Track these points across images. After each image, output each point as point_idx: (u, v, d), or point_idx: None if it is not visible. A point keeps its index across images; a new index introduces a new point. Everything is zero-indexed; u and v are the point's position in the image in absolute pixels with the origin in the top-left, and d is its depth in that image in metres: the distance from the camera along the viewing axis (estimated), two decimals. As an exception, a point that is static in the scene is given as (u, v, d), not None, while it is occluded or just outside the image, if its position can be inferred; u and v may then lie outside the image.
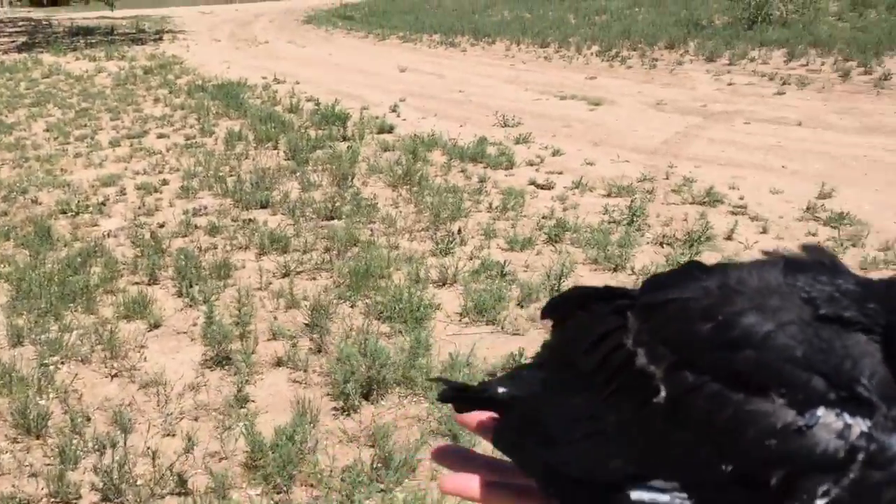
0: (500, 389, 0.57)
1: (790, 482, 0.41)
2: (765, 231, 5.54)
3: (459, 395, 0.60)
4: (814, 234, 5.45)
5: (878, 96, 9.77)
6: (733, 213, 5.94)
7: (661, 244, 5.41)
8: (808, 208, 5.90)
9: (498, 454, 0.56)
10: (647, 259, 5.15)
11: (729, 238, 5.41)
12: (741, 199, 6.25)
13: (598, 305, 0.53)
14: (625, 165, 7.36)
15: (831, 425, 0.41)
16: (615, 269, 5.03)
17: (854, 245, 5.21)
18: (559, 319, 0.57)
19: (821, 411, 0.41)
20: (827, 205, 5.94)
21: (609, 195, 6.52)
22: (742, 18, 15.72)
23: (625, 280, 4.88)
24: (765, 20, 15.54)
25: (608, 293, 0.54)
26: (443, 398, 0.60)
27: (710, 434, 0.43)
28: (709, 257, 5.09)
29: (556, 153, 7.86)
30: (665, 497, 0.45)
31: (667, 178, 6.88)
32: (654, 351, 0.47)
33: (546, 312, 0.58)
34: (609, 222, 5.83)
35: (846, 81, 10.70)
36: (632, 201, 6.15)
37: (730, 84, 11.20)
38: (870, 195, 6.20)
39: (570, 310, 0.55)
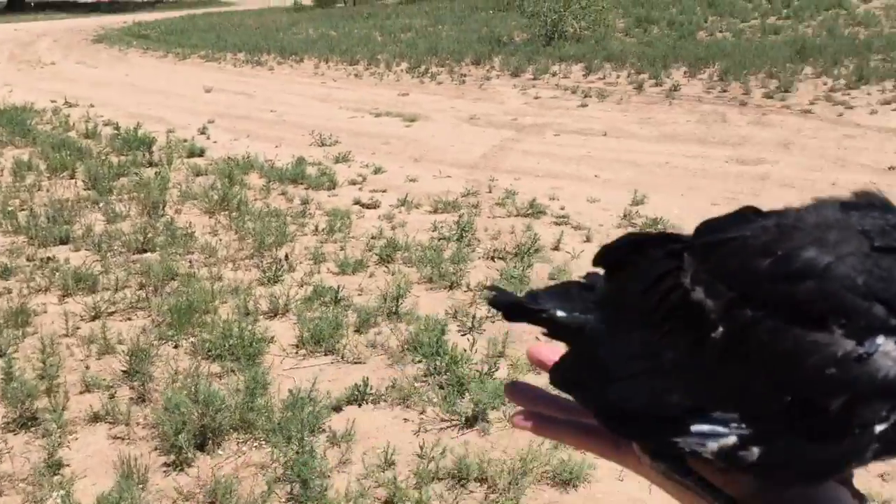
0: (559, 313, 0.57)
1: (850, 408, 0.42)
2: (588, 240, 5.70)
3: (514, 307, 0.60)
4: (633, 240, 5.66)
5: (670, 106, 10.47)
6: (557, 224, 6.07)
7: (493, 258, 5.42)
8: (624, 215, 6.14)
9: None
10: (481, 274, 5.13)
11: (556, 248, 5.51)
12: (562, 209, 6.41)
13: (652, 250, 0.54)
14: (448, 181, 7.36)
15: (891, 353, 0.42)
16: (451, 287, 4.96)
17: (671, 248, 5.45)
18: (612, 267, 0.57)
19: (881, 339, 0.42)
20: (641, 211, 6.22)
21: (436, 211, 6.48)
22: (540, 35, 16.42)
23: (462, 298, 4.83)
24: (561, 37, 16.33)
25: (661, 239, 0.54)
26: (494, 304, 0.61)
27: (768, 366, 0.44)
28: (541, 269, 5.15)
29: (377, 171, 7.75)
30: (724, 428, 0.46)
31: (490, 192, 6.95)
32: (713, 288, 0.47)
33: (598, 260, 0.58)
34: (439, 239, 5.77)
35: (641, 93, 11.40)
36: (459, 217, 6.13)
37: (536, 98, 11.61)
38: (677, 200, 6.56)
39: (622, 257, 0.56)
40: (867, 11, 16.51)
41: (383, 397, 3.79)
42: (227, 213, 6.43)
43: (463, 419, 3.58)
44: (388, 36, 20.24)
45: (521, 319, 0.59)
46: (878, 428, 0.42)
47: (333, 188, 7.23)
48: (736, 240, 0.49)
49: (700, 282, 0.48)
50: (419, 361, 4.06)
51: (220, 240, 5.88)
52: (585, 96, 11.35)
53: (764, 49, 13.12)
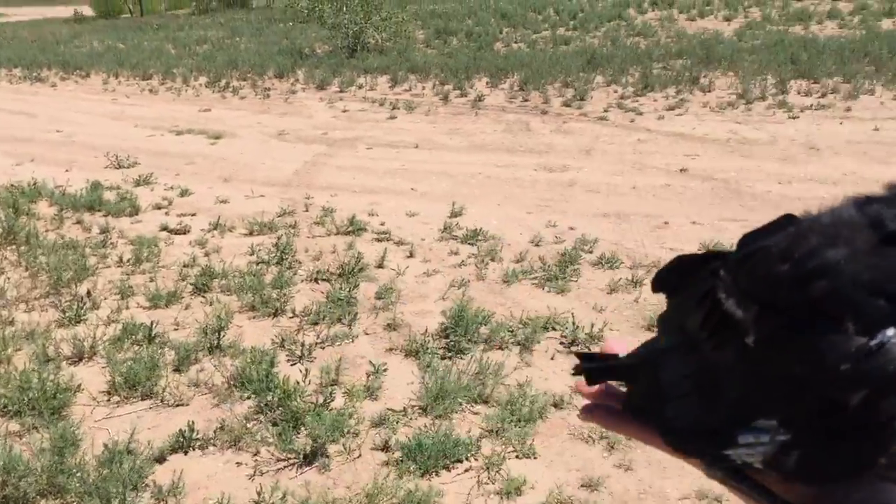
0: (622, 356, 0.63)
1: (869, 403, 0.43)
2: (412, 255, 5.66)
3: (594, 368, 0.63)
4: (455, 253, 5.69)
5: (477, 116, 10.71)
6: (379, 240, 5.99)
7: (317, 280, 5.24)
8: (445, 228, 6.16)
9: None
10: (306, 298, 4.94)
11: (381, 266, 5.42)
12: (383, 224, 6.34)
13: (698, 270, 0.56)
14: (261, 200, 7.08)
15: None
16: (276, 314, 4.73)
17: (493, 259, 5.53)
18: (669, 291, 0.60)
19: (891, 331, 0.43)
20: (461, 223, 6.27)
21: (252, 234, 6.19)
22: (342, 47, 16.32)
23: (288, 325, 4.61)
24: (364, 48, 16.31)
25: (704, 258, 0.57)
26: (580, 372, 0.64)
27: (794, 369, 0.46)
28: (367, 288, 5.04)
29: (184, 193, 7.31)
30: (766, 436, 0.48)
31: (307, 211, 6.75)
32: (744, 300, 0.50)
33: (656, 286, 0.60)
34: (258, 263, 5.51)
35: (448, 104, 11.59)
36: (277, 238, 5.90)
37: (345, 111, 11.49)
38: (494, 210, 6.68)
39: (676, 280, 0.58)
40: (644, 22, 17.80)
41: (212, 441, 3.52)
42: (14, 247, 5.80)
43: (301, 456, 3.40)
44: (183, 48, 19.33)
45: (599, 378, 0.64)
46: None
47: (136, 214, 6.73)
48: (762, 249, 0.51)
49: (733, 295, 0.51)
50: (248, 398, 3.83)
51: (9, 278, 5.29)
52: (394, 108, 11.38)
53: (558, 59, 13.77)
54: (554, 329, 4.47)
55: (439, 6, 22.48)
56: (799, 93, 10.68)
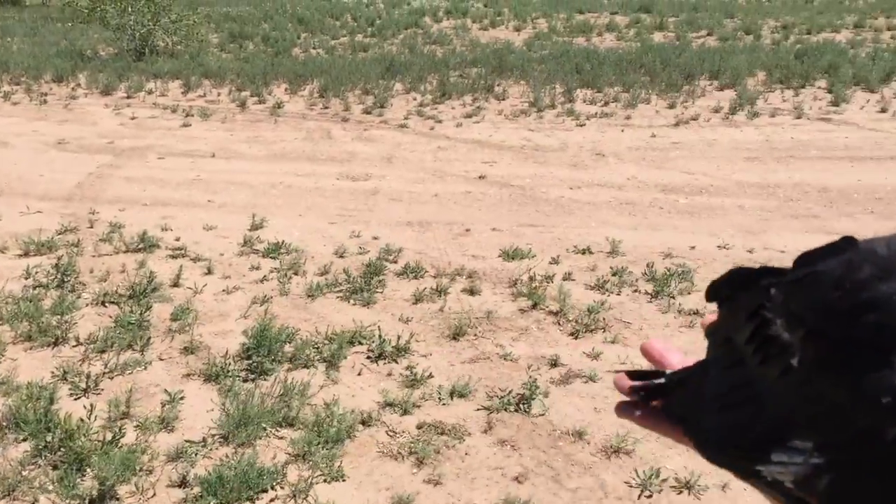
0: (668, 372, 0.63)
1: None
2: (210, 272, 5.38)
3: (645, 389, 0.63)
4: (257, 268, 5.48)
5: (276, 124, 10.44)
6: (174, 257, 5.65)
7: (104, 303, 4.85)
8: (245, 242, 5.92)
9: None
10: (92, 324, 4.56)
11: (176, 285, 5.12)
12: (177, 240, 6.00)
13: (753, 285, 0.56)
14: (38, 217, 6.48)
15: None
16: (56, 343, 4.33)
17: (296, 273, 5.38)
18: (721, 301, 0.61)
19: None
20: (262, 235, 6.06)
21: (27, 254, 5.64)
22: (129, 50, 15.38)
23: (71, 354, 4.23)
24: (153, 52, 15.47)
25: (760, 273, 0.56)
26: (629, 394, 0.64)
27: (836, 396, 0.47)
28: (161, 310, 4.73)
29: (-56, 211, 6.56)
30: (800, 458, 0.48)
31: (92, 227, 6.25)
32: (791, 322, 0.51)
33: (710, 296, 0.61)
34: (35, 287, 5.03)
35: (245, 111, 11.21)
36: (58, 259, 5.41)
37: (133, 118, 10.81)
38: (296, 220, 6.52)
39: (730, 291, 0.59)
40: (440, 31, 18.21)
41: (-19, 494, 3.14)
42: None
43: (87, 502, 3.11)
44: (-57, 48, 17.43)
45: (646, 399, 0.64)
46: None
47: None
48: (813, 275, 0.51)
49: (782, 315, 0.52)
50: (24, 440, 3.46)
51: None
52: (187, 115, 10.85)
53: (357, 66, 13.75)
54: (360, 343, 4.40)
55: (234, 9, 21.81)
56: (585, 101, 11.32)
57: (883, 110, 10.22)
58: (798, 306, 0.51)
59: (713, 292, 0.61)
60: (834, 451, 0.47)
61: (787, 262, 0.54)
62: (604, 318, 4.71)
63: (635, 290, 5.15)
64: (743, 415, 0.53)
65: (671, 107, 10.77)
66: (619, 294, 5.10)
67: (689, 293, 5.05)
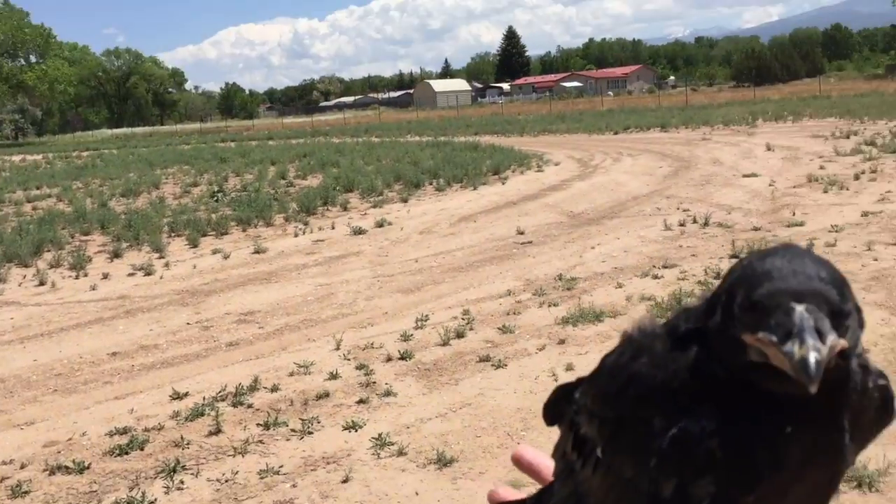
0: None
1: (680, 490, 0.48)
2: None
3: None
4: None
5: None
6: None
7: None
8: None
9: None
10: None
11: None
12: None
13: (569, 397, 0.63)
14: None
15: (692, 430, 0.48)
16: None
17: None
18: (554, 422, 0.66)
19: (683, 422, 0.49)
20: None
21: None
22: None
23: None
24: None
25: (578, 383, 0.63)
26: None
27: (626, 471, 0.51)
28: None
29: None
30: None
31: None
32: (590, 417, 0.57)
33: (546, 420, 0.66)
34: None
35: None
36: None
37: None
38: None
39: (556, 410, 0.65)
40: None
41: None
42: None
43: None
44: None
45: None
46: None
47: None
48: (598, 369, 0.59)
49: (584, 414, 0.58)
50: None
51: None
52: None
53: None
54: None
55: None
56: None
57: (42, 283, 10.18)
58: (589, 401, 0.57)
59: (547, 416, 0.67)
60: None
61: None
62: None
63: None
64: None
65: None
66: None
67: None
